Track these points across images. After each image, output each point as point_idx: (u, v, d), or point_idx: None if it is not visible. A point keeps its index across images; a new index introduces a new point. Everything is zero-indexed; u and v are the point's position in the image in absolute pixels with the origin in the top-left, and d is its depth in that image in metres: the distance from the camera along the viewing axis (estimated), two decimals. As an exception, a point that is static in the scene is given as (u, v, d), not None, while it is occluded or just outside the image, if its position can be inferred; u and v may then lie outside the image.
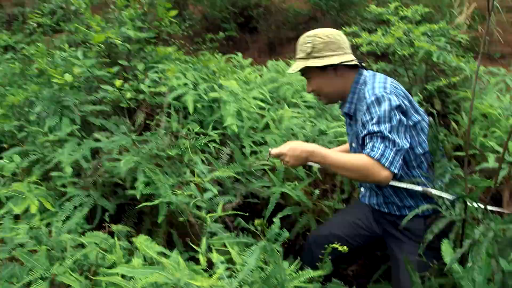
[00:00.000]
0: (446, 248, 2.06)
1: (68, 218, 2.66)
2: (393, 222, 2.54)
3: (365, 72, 2.49)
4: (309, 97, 3.99)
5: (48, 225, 2.51)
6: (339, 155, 2.28)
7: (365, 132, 2.26)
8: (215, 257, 2.18)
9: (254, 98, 3.49)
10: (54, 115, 3.27)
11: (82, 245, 2.34)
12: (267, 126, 3.60)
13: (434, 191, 2.26)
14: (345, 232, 2.70)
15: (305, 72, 2.46)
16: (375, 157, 2.17)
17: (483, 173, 3.43)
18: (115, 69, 3.41)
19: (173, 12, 3.65)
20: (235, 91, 3.41)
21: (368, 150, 2.20)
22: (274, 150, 2.38)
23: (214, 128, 3.35)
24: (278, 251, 2.26)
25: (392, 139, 2.19)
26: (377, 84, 2.34)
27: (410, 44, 5.05)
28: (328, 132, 3.54)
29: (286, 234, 2.50)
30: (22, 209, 2.53)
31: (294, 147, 2.32)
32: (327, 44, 2.38)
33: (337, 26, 9.52)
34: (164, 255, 2.26)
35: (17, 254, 2.14)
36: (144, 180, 2.70)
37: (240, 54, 5.61)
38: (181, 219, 2.51)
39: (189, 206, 2.58)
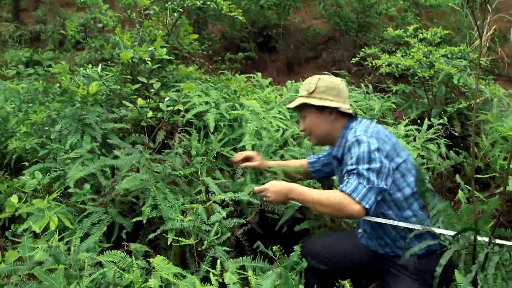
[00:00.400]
0: (459, 276, 2.03)
1: (86, 235, 2.67)
2: (390, 261, 2.57)
3: (355, 120, 2.61)
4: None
5: (67, 242, 2.51)
6: (315, 192, 2.42)
7: (344, 171, 2.38)
8: (228, 278, 2.18)
9: (274, 117, 3.50)
10: (75, 132, 3.30)
11: (100, 264, 2.35)
12: (285, 144, 3.60)
13: (436, 229, 2.23)
14: (345, 250, 2.76)
15: (303, 109, 2.62)
16: (347, 192, 2.26)
17: (503, 196, 3.38)
18: (135, 86, 3.44)
19: (194, 36, 3.69)
20: (256, 110, 3.42)
21: (341, 186, 2.31)
22: (257, 188, 2.55)
23: (233, 147, 3.35)
24: (293, 279, 2.26)
25: (366, 176, 2.27)
26: (360, 128, 2.47)
27: (430, 66, 5.03)
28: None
29: (304, 264, 2.52)
30: (41, 227, 2.54)
31: (276, 183, 2.50)
32: (329, 88, 2.55)
33: (356, 47, 9.56)
34: (181, 275, 2.26)
35: (35, 273, 2.15)
36: (151, 203, 2.71)
37: (259, 74, 5.64)
38: (189, 241, 2.50)
39: (194, 230, 2.58)
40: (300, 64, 10.41)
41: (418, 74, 5.12)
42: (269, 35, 10.71)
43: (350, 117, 2.62)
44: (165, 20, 3.50)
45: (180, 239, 2.49)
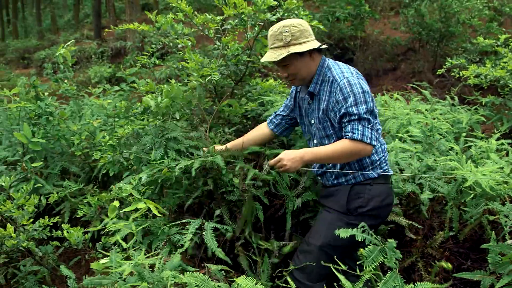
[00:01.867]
0: None
1: (171, 252, 2.65)
2: (326, 193, 2.83)
3: (324, 57, 2.76)
4: (416, 131, 3.81)
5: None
6: (326, 148, 2.57)
7: (343, 111, 2.52)
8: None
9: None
10: (159, 147, 3.32)
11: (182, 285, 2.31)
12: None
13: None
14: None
15: (284, 59, 2.63)
16: (358, 138, 2.47)
17: None
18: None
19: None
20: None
21: (350, 134, 2.49)
22: (272, 161, 2.64)
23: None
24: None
25: (367, 118, 2.49)
26: (345, 70, 2.64)
27: (524, 77, 4.74)
28: (437, 167, 3.36)
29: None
30: (130, 244, 2.55)
31: (288, 152, 2.59)
32: (302, 32, 2.62)
33: (437, 57, 9.24)
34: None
35: (119, 288, 2.14)
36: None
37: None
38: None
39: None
40: (378, 75, 10.21)
41: (510, 85, 4.84)
42: (346, 47, 10.59)
43: (321, 51, 2.75)
44: (245, 35, 3.46)
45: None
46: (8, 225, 2.78)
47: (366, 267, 2.17)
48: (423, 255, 3.10)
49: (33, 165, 3.64)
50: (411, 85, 6.73)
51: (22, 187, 3.24)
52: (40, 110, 3.87)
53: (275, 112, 3.16)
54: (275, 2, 3.28)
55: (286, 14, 3.31)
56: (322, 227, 2.70)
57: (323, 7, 11.31)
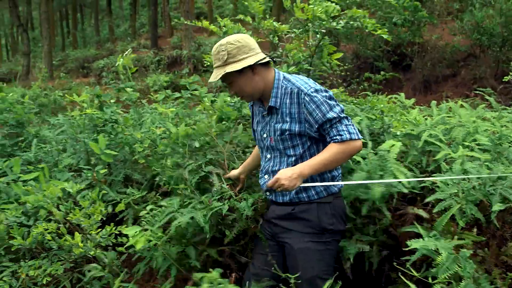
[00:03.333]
0: None
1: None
2: (287, 213, 2.71)
3: (276, 69, 2.73)
4: (484, 139, 3.66)
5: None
6: (320, 158, 2.51)
7: (322, 120, 2.51)
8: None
9: (425, 141, 3.30)
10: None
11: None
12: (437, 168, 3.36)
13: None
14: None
15: (226, 78, 2.61)
16: (347, 139, 2.48)
17: None
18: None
19: (338, 55, 3.59)
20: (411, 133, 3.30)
21: (338, 138, 2.49)
22: (269, 182, 2.52)
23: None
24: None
25: (344, 116, 2.53)
26: (308, 80, 2.64)
27: None
28: (508, 176, 3.21)
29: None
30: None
31: (285, 171, 2.49)
32: (240, 48, 2.57)
33: (499, 63, 8.95)
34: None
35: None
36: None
37: (402, 94, 5.39)
38: None
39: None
40: (437, 82, 9.97)
41: None
42: (404, 53, 10.40)
43: (269, 64, 2.70)
44: (307, 42, 3.43)
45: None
46: (76, 233, 2.84)
47: (439, 276, 2.10)
48: (496, 264, 2.97)
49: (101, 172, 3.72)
50: (476, 91, 6.53)
51: (88, 194, 3.31)
52: (106, 117, 3.95)
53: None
54: (338, 9, 3.23)
55: (351, 22, 3.26)
56: (311, 258, 2.62)
57: (378, 12, 11.16)
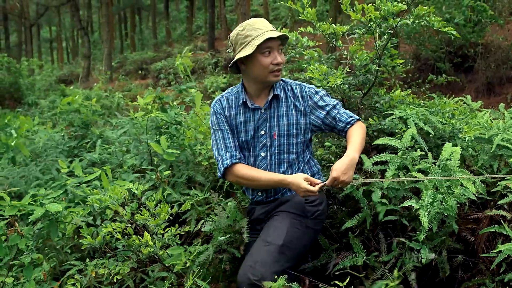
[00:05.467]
0: None
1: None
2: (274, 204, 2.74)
3: None
4: None
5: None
6: (358, 140, 2.55)
7: (329, 107, 2.67)
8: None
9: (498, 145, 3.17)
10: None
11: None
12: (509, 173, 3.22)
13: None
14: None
15: (283, 42, 2.65)
16: (358, 118, 2.70)
17: None
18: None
19: (400, 60, 3.51)
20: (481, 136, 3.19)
21: (353, 119, 2.66)
22: (328, 181, 2.43)
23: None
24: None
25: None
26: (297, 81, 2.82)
27: None
28: None
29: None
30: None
31: (338, 167, 2.41)
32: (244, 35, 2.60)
33: None
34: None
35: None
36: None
37: (469, 97, 5.22)
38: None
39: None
40: (501, 84, 9.65)
41: None
42: (466, 55, 10.10)
43: None
44: (373, 43, 3.35)
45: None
46: (145, 233, 2.87)
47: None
48: None
49: (165, 173, 3.77)
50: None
51: (153, 195, 3.35)
52: (169, 119, 4.00)
53: (231, 152, 2.75)
54: (405, 7, 3.15)
55: (416, 21, 3.17)
56: (282, 227, 2.57)
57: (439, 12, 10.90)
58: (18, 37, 37.10)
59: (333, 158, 3.34)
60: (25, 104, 15.62)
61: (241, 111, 2.72)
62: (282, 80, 2.73)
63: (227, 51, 2.78)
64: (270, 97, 2.67)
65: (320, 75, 3.27)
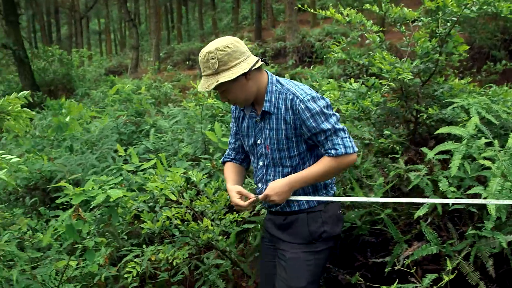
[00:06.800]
0: None
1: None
2: (279, 223, 2.65)
3: (268, 72, 2.62)
4: None
5: None
6: (312, 171, 2.48)
7: (316, 130, 2.44)
8: None
9: None
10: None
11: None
12: None
13: None
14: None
15: (218, 87, 2.45)
16: (342, 153, 2.42)
17: None
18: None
19: (464, 47, 3.41)
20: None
21: (333, 151, 2.43)
22: (261, 196, 2.49)
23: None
24: None
25: (341, 128, 2.46)
26: (303, 86, 2.54)
27: None
28: None
29: None
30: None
31: (273, 186, 2.46)
32: (230, 54, 2.41)
33: None
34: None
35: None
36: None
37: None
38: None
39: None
40: None
41: None
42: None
43: (261, 67, 2.57)
44: (437, 31, 3.28)
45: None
46: (205, 219, 2.91)
47: None
48: None
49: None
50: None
51: (210, 183, 3.39)
52: (225, 107, 4.03)
53: (229, 148, 2.90)
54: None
55: (484, 7, 3.08)
56: (299, 268, 2.55)
57: None
58: (68, 30, 37.96)
59: (397, 148, 3.25)
60: (77, 95, 16.03)
61: (245, 115, 2.71)
62: (281, 84, 2.56)
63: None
64: (261, 110, 2.60)
65: (388, 65, 3.20)
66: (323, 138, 2.45)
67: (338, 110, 3.47)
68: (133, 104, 5.97)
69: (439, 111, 3.19)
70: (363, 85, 3.61)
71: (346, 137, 2.45)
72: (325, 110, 2.44)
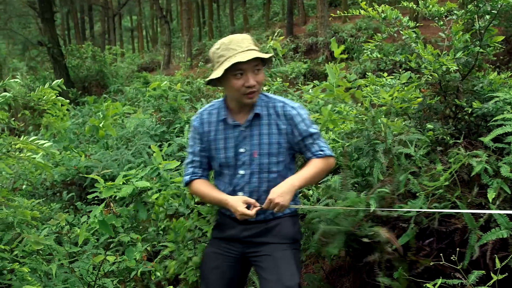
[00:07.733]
0: None
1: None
2: (261, 229, 2.63)
3: None
4: None
5: None
6: (308, 172, 2.56)
7: (306, 133, 2.58)
8: None
9: None
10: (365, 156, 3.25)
11: None
12: None
13: None
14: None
15: (259, 63, 2.53)
16: (328, 154, 2.61)
17: None
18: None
19: (499, 38, 3.34)
20: None
21: (321, 153, 2.59)
22: (265, 205, 2.47)
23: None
24: None
25: (320, 133, 2.67)
26: (282, 98, 2.73)
27: None
28: None
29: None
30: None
31: (276, 190, 2.47)
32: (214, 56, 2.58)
33: None
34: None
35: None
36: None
37: None
38: None
39: None
40: None
41: None
42: None
43: None
44: (475, 24, 3.22)
45: None
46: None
47: None
48: None
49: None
50: None
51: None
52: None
53: (195, 166, 2.77)
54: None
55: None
56: (291, 265, 2.56)
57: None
58: (101, 27, 38.38)
59: (448, 138, 3.15)
60: (110, 91, 16.23)
61: (221, 127, 2.66)
62: (265, 95, 2.65)
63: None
64: (251, 116, 2.59)
65: (431, 55, 3.15)
66: (310, 141, 2.59)
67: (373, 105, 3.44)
68: (168, 100, 6.00)
69: (482, 105, 3.12)
70: (399, 80, 3.58)
71: (325, 142, 2.67)
72: (309, 117, 2.64)
